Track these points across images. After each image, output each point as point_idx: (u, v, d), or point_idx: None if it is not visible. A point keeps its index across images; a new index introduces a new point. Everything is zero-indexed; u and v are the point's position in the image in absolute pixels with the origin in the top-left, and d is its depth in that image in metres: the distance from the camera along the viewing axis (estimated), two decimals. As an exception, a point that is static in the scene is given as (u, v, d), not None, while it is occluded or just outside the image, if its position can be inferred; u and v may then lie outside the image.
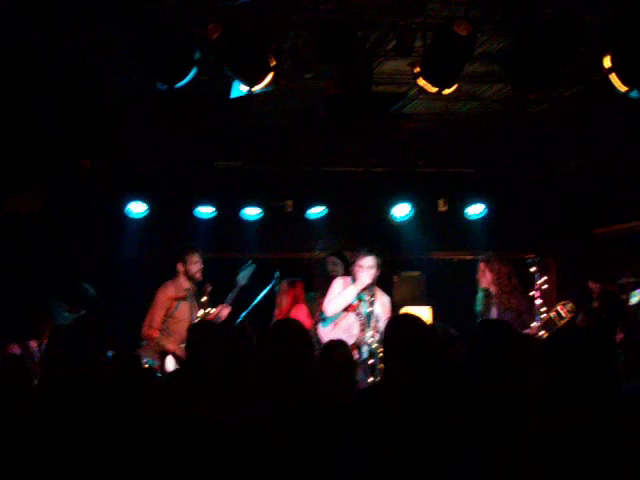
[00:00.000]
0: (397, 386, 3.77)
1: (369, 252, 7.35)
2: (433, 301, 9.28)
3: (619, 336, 6.32)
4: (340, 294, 7.37)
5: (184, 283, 7.86)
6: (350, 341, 7.25)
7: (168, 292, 7.79)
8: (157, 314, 7.70)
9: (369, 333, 7.26)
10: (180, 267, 7.85)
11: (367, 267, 7.29)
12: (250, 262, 8.09)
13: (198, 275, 7.83)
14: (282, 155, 9.18)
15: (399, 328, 4.16)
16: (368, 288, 7.30)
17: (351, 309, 7.40)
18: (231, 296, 7.94)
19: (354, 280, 7.35)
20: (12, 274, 8.41)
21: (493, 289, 7.70)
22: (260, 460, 2.61)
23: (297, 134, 8.47)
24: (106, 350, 5.56)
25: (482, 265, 7.83)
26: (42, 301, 7.73)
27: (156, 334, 7.61)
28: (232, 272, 8.35)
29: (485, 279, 7.77)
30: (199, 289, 7.97)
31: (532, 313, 7.88)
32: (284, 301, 8.24)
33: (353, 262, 7.43)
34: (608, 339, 3.46)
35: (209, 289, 7.93)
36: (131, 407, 3.38)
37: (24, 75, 6.45)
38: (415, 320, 4.24)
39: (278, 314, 8.23)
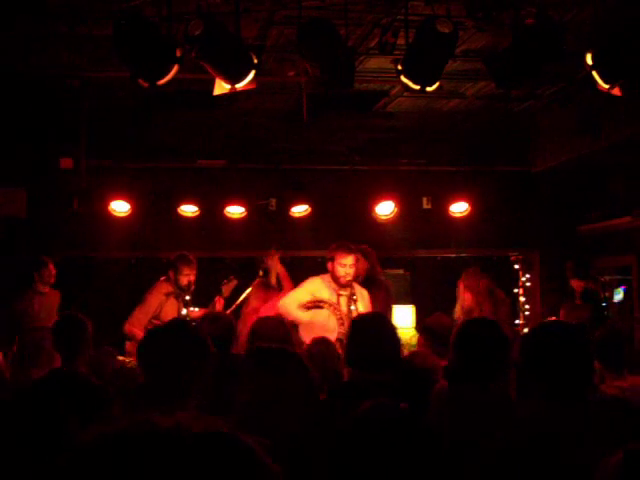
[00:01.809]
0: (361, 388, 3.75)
1: (350, 250, 7.32)
2: (417, 299, 9.28)
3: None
4: (297, 301, 7.34)
5: (173, 287, 7.84)
6: (331, 337, 7.25)
7: (162, 290, 7.77)
8: (144, 314, 7.66)
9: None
10: (171, 274, 7.82)
11: (349, 265, 7.27)
12: (232, 277, 8.09)
13: (187, 287, 7.79)
14: (265, 153, 9.16)
15: (363, 328, 4.13)
16: (349, 286, 7.31)
17: (326, 306, 7.39)
18: (227, 289, 7.95)
19: (334, 277, 7.33)
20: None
21: (475, 309, 7.67)
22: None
23: (280, 132, 8.46)
24: (89, 348, 5.54)
25: (461, 286, 7.77)
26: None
27: (141, 334, 7.56)
28: (215, 270, 8.35)
29: (466, 300, 7.73)
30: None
31: (511, 318, 7.93)
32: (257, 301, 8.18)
33: (332, 258, 7.38)
34: (588, 335, 3.46)
35: (192, 288, 7.91)
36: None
37: (5, 74, 6.41)
38: (380, 321, 4.22)
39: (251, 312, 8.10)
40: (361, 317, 4.90)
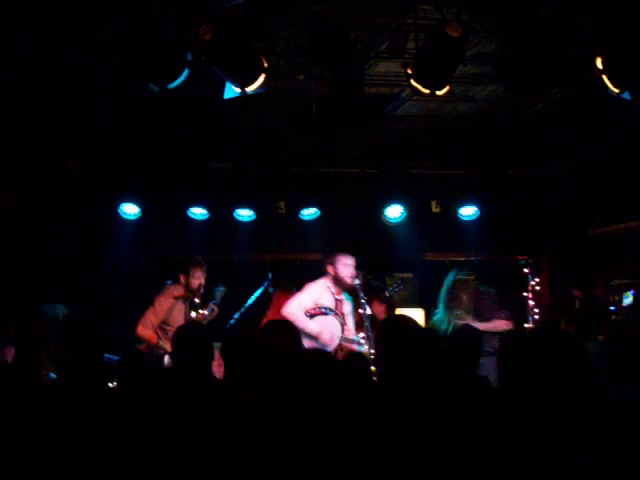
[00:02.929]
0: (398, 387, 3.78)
1: (349, 252, 7.46)
2: (426, 303, 9.28)
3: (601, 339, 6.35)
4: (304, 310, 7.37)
5: (183, 290, 7.85)
6: (336, 341, 7.31)
7: (173, 293, 7.79)
8: (155, 317, 7.68)
9: (361, 334, 7.36)
10: (182, 279, 7.82)
11: (352, 265, 7.40)
12: (221, 285, 8.08)
13: (198, 290, 7.79)
14: (275, 156, 9.16)
15: (397, 329, 4.16)
16: (358, 289, 7.37)
17: (329, 312, 7.44)
18: (219, 296, 7.95)
19: (338, 279, 7.40)
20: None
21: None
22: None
23: (290, 135, 8.46)
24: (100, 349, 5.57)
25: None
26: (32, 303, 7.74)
27: (154, 336, 7.61)
28: (224, 273, 8.38)
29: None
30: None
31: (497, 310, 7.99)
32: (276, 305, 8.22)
33: (333, 261, 7.45)
34: (576, 341, 3.49)
35: (202, 291, 7.91)
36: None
37: (11, 74, 6.43)
38: (409, 321, 4.26)
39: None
40: (394, 318, 5.01)
